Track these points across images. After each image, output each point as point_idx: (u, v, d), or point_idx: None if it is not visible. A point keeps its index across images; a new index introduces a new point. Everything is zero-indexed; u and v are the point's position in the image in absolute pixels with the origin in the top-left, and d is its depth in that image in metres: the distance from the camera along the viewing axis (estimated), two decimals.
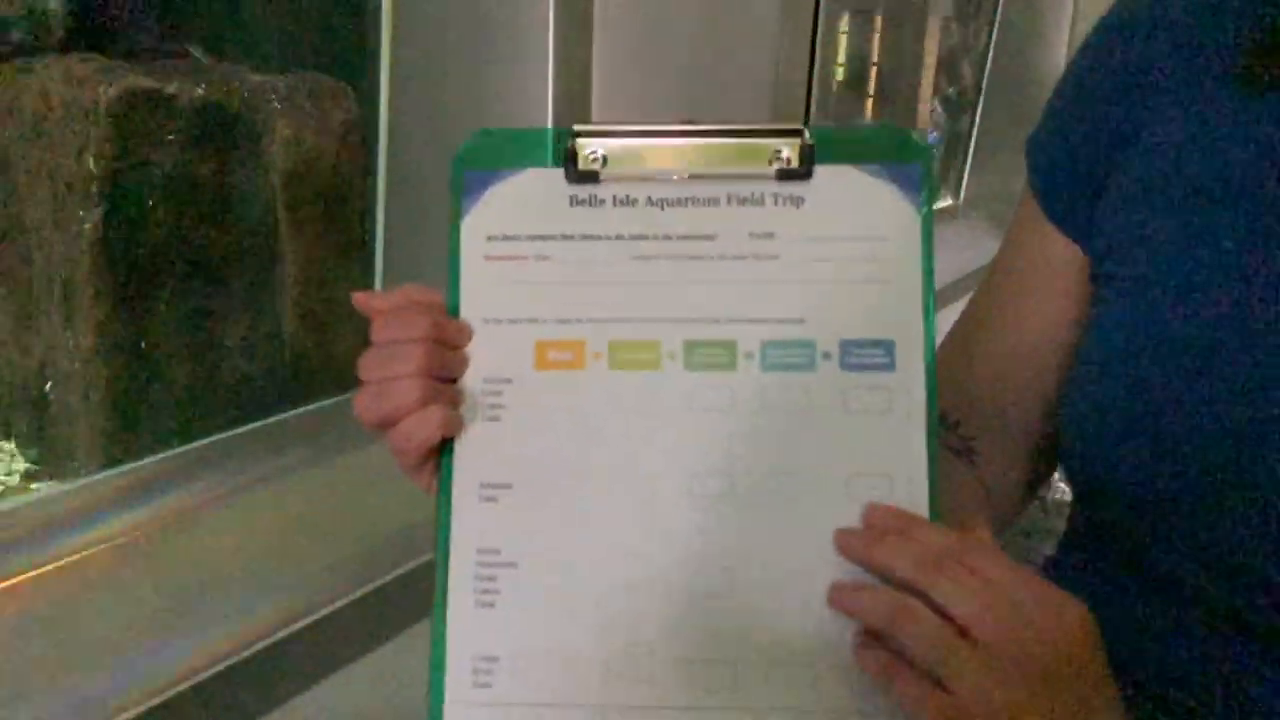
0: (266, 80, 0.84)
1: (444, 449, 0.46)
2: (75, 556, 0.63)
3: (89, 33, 0.86)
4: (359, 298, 0.46)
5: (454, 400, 0.45)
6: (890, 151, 0.46)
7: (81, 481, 0.72)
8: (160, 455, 0.75)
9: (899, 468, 0.44)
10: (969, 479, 0.56)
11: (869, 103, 1.02)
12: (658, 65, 0.77)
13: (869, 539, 0.42)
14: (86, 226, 0.72)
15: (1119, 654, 0.41)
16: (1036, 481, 0.60)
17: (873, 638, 0.41)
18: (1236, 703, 0.48)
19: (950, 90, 1.95)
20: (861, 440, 0.45)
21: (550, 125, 0.75)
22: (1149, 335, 0.48)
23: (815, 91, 0.80)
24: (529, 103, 0.75)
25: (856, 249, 0.46)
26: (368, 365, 0.44)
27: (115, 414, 0.75)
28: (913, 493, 0.44)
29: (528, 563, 0.45)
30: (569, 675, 0.45)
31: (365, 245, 0.91)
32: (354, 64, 0.91)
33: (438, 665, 0.45)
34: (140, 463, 0.74)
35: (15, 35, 0.82)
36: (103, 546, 0.64)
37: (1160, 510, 0.48)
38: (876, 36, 1.02)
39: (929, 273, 0.45)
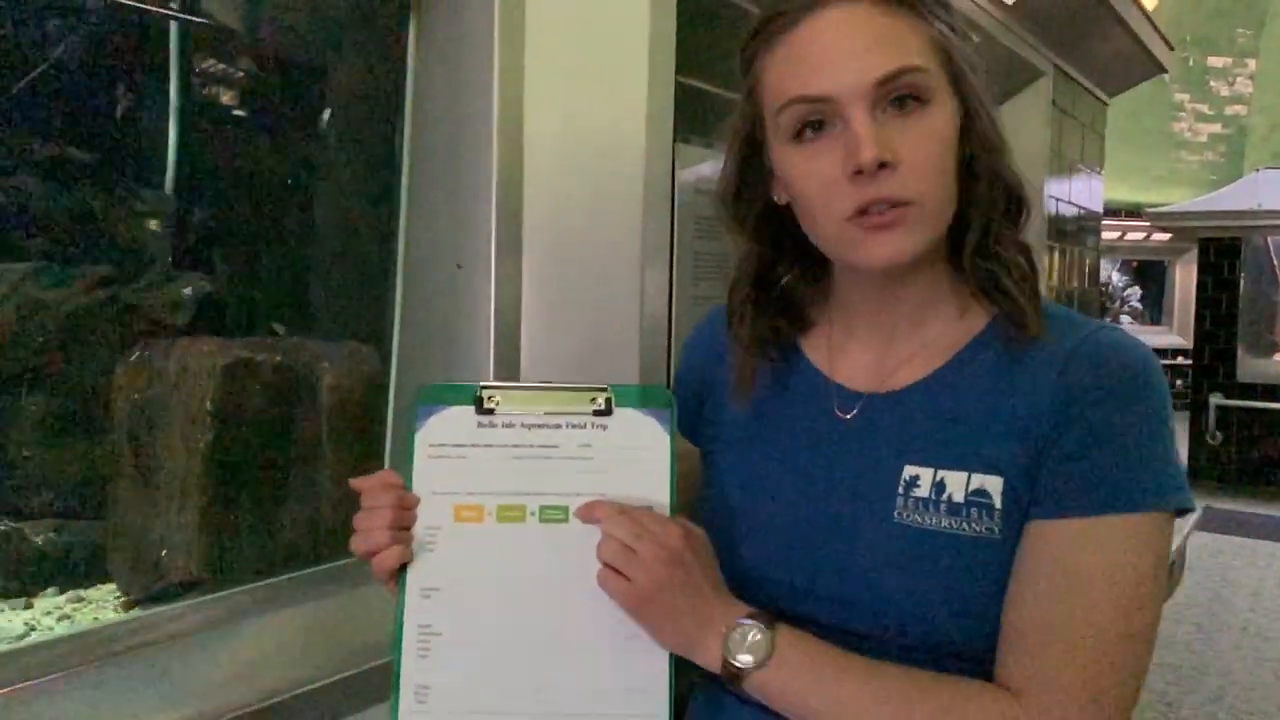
0: (320, 346, 1.28)
1: (401, 568, 0.78)
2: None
3: (209, 316, 1.33)
4: (353, 482, 0.80)
5: (408, 540, 0.77)
6: (656, 401, 0.80)
7: (184, 603, 1.10)
8: (230, 590, 1.13)
9: None
10: None
11: None
12: (564, 332, 1.20)
13: (590, 510, 0.76)
14: (201, 445, 1.13)
15: None
16: None
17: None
18: None
19: None
20: None
21: (492, 368, 1.18)
22: (714, 502, 0.87)
23: (673, 349, 1.23)
24: (478, 354, 1.18)
25: (635, 453, 0.79)
26: (359, 520, 0.77)
27: (206, 568, 1.14)
28: None
29: (448, 631, 0.77)
30: (476, 694, 0.76)
31: (379, 454, 1.32)
32: (377, 331, 1.35)
33: (395, 695, 0.76)
34: (221, 593, 1.12)
35: (163, 318, 1.28)
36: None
37: (761, 582, 0.82)
38: None
39: (674, 464, 0.79)
